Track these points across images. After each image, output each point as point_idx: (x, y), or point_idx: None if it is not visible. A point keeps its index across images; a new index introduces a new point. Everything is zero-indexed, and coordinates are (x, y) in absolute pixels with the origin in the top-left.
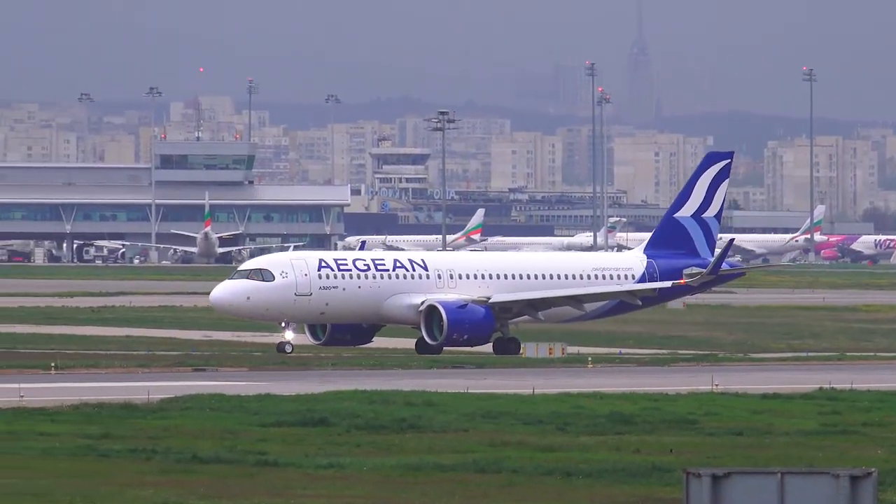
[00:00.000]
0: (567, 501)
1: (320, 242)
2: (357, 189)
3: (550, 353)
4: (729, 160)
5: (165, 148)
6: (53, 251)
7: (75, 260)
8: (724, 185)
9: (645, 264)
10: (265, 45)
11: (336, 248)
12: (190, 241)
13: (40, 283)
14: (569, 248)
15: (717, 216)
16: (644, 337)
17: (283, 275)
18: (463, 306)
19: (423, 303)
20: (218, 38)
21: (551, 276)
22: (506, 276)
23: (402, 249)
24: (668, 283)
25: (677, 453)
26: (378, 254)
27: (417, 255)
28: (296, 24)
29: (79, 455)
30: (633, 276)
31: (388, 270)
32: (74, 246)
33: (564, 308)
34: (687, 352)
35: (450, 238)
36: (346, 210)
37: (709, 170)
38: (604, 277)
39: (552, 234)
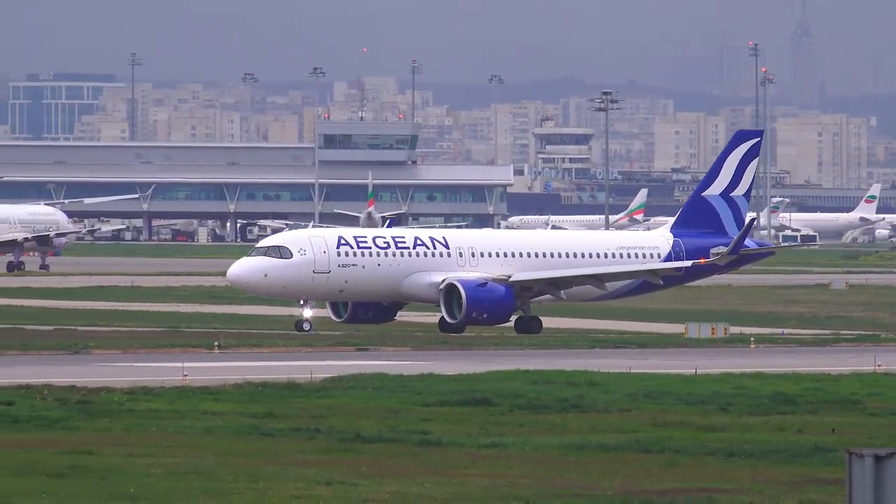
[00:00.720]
0: (729, 481)
1: (483, 222)
2: (520, 169)
3: (713, 334)
4: (758, 139)
5: (329, 128)
6: (217, 230)
7: (239, 239)
8: (754, 164)
9: (671, 243)
10: (429, 25)
11: (499, 228)
12: (353, 220)
13: (204, 263)
14: None
15: (747, 195)
16: (807, 318)
17: (302, 252)
18: (483, 284)
19: (443, 281)
20: (381, 19)
21: (574, 255)
22: (528, 255)
23: (564, 229)
24: (688, 263)
25: (839, 433)
26: (399, 231)
27: (439, 233)
28: (460, 4)
29: (242, 434)
30: (659, 255)
31: (408, 248)
32: (238, 225)
33: (586, 287)
34: (850, 332)
35: (613, 218)
36: (509, 190)
37: (738, 148)
38: (628, 256)
39: None
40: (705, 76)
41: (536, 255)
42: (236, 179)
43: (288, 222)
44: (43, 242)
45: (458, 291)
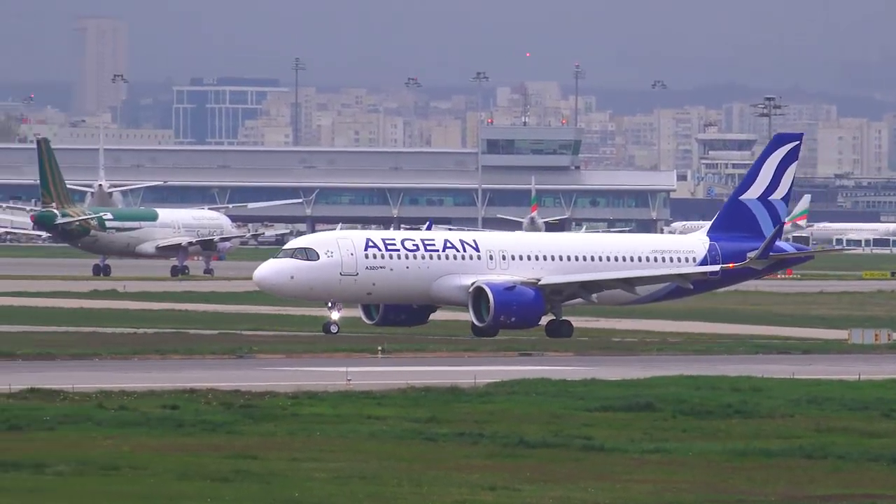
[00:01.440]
0: (893, 488)
1: (646, 227)
2: (683, 174)
3: (877, 340)
4: (798, 142)
5: (492, 133)
6: None
7: None
8: (793, 167)
9: (707, 247)
10: (591, 30)
11: (662, 233)
12: (516, 225)
13: None
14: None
15: (786, 198)
16: None
17: (329, 254)
18: (511, 288)
19: (472, 284)
20: (545, 24)
21: (607, 258)
22: (560, 258)
23: None
24: (716, 268)
25: None
26: (428, 234)
27: (469, 236)
28: (623, 10)
29: (406, 439)
30: (695, 259)
31: (437, 251)
32: (401, 229)
33: (617, 291)
34: None
35: None
36: (672, 195)
37: (777, 151)
38: (663, 260)
39: (878, 221)
40: (868, 82)
41: (568, 259)
42: (399, 184)
43: (451, 227)
44: (207, 247)
45: (486, 295)
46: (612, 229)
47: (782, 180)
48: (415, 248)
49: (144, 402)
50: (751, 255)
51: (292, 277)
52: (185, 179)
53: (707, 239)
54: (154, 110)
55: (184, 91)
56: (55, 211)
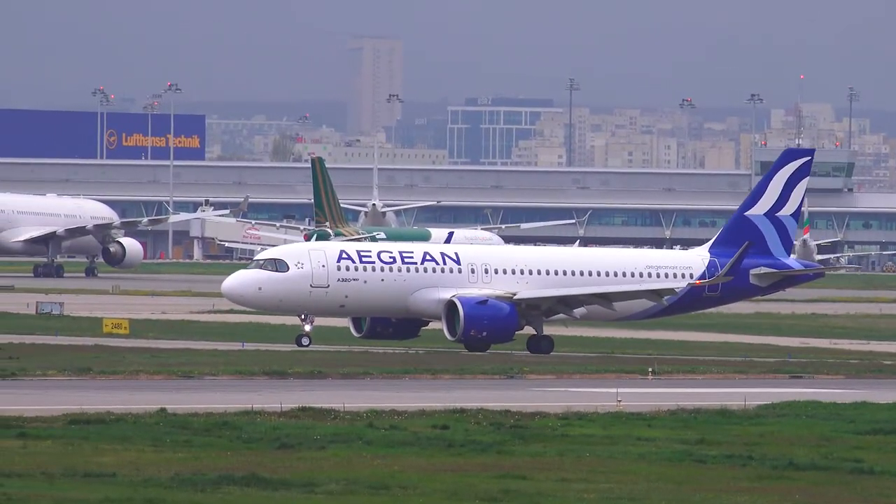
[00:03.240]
0: None
1: None
2: None
3: None
4: (809, 157)
5: (766, 154)
6: None
7: None
8: (803, 184)
9: (707, 263)
10: (864, 53)
11: None
12: None
13: None
14: None
15: (795, 215)
16: None
17: (299, 265)
18: (483, 302)
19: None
20: (817, 46)
21: (596, 273)
22: (546, 272)
23: None
24: (683, 284)
25: None
26: (408, 246)
27: (451, 249)
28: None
29: (675, 460)
30: (692, 275)
31: (415, 263)
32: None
33: (599, 307)
34: None
35: None
36: None
37: (785, 167)
38: (657, 276)
39: None
40: None
41: (554, 273)
42: (672, 206)
43: None
44: None
45: (457, 309)
46: (884, 252)
47: (791, 196)
48: (391, 260)
49: (414, 422)
50: (762, 271)
51: (260, 289)
52: (458, 199)
53: (708, 255)
54: (428, 130)
55: (458, 111)
56: (329, 230)
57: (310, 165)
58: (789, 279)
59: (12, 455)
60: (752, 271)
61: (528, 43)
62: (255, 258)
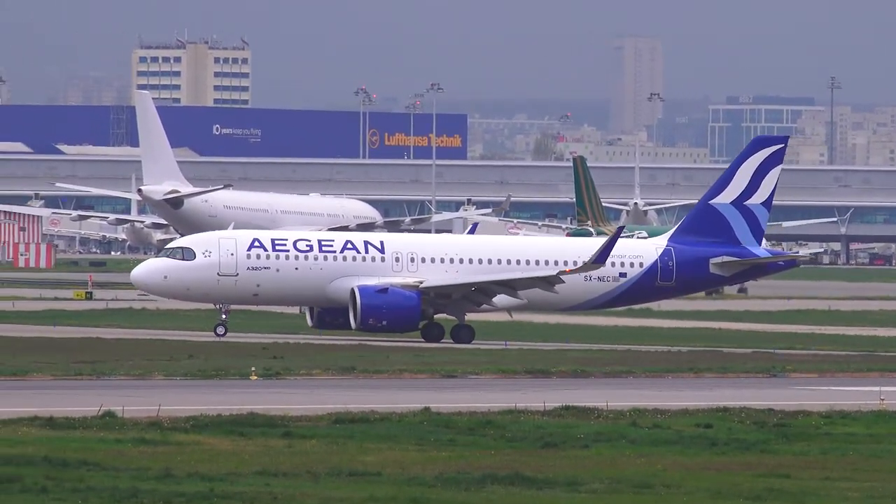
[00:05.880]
0: None
1: None
2: None
3: None
4: (782, 145)
5: None
6: None
7: None
8: (776, 172)
9: (660, 252)
10: None
11: None
12: None
13: None
14: None
15: (766, 203)
16: None
17: (206, 254)
18: (383, 290)
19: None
20: None
21: (527, 262)
22: (479, 261)
23: None
24: (552, 271)
25: None
26: (327, 234)
27: (376, 237)
28: None
29: None
30: (642, 265)
31: (334, 252)
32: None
33: (540, 293)
34: None
35: None
36: None
37: (755, 155)
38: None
39: None
40: None
41: (482, 262)
42: None
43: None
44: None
45: (356, 297)
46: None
47: (762, 184)
48: (308, 248)
49: (678, 421)
50: (724, 259)
51: (165, 277)
52: None
53: (664, 244)
54: (689, 129)
55: (719, 109)
56: (590, 228)
57: (571, 164)
58: (758, 268)
59: (278, 454)
60: (713, 260)
61: (788, 40)
62: (166, 247)
